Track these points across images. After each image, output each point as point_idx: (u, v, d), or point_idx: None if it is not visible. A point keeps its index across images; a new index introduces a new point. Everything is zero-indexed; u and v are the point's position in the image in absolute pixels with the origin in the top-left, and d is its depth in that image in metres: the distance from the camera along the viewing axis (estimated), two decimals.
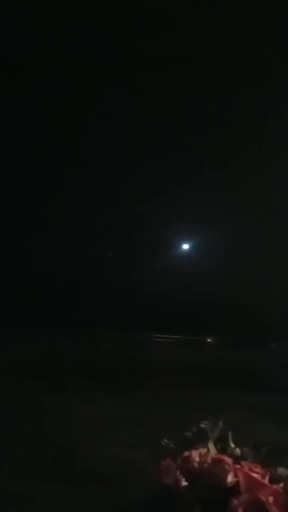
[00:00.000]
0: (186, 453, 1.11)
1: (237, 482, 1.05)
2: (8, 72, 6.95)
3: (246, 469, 1.05)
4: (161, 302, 8.54)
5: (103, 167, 8.48)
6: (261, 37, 6.64)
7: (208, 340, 8.91)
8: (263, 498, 0.95)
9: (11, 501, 1.71)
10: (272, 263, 8.55)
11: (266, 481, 1.04)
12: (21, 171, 8.12)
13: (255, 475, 1.03)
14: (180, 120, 7.94)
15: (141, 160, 8.22)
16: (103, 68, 7.37)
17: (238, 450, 1.14)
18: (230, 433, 1.19)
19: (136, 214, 8.81)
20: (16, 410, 3.23)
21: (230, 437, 1.19)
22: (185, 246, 9.55)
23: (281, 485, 1.08)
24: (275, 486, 1.04)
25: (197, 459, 1.08)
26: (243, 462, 1.08)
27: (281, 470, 1.09)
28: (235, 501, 0.98)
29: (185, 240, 9.42)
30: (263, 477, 1.04)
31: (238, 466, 1.07)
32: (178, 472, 1.10)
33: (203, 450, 1.13)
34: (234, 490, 1.04)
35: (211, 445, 1.14)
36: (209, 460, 1.07)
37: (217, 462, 1.04)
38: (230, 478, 1.02)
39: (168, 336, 8.28)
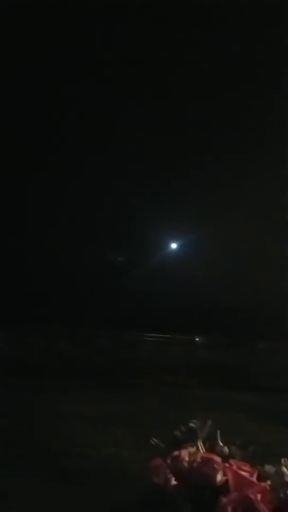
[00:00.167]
0: (176, 453, 1.12)
1: (226, 481, 1.06)
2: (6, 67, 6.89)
3: (234, 467, 1.07)
4: (151, 301, 8.55)
5: (94, 165, 8.45)
6: (261, 38, 6.69)
7: (197, 339, 8.96)
8: (252, 496, 0.97)
9: (2, 501, 1.71)
10: (263, 262, 8.62)
11: (254, 479, 1.06)
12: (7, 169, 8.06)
13: (243, 473, 1.05)
14: (171, 118, 7.95)
15: (137, 159, 8.21)
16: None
17: (226, 449, 1.16)
18: (218, 432, 1.20)
19: (126, 212, 8.80)
20: (7, 409, 3.22)
21: (218, 436, 1.20)
22: (175, 245, 9.59)
23: (269, 482, 1.10)
24: (263, 484, 1.06)
25: (187, 458, 1.10)
26: (231, 461, 1.10)
27: (268, 468, 1.11)
28: (224, 499, 1.00)
29: (175, 239, 9.46)
30: (251, 475, 1.06)
31: (227, 464, 1.08)
32: (168, 471, 1.11)
33: (193, 449, 1.15)
34: (224, 488, 1.06)
35: (200, 444, 1.16)
36: (198, 459, 1.08)
37: (206, 461, 1.06)
38: (219, 477, 1.04)
39: (158, 335, 8.30)
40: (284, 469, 1.13)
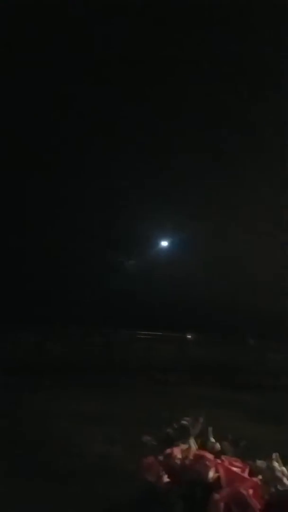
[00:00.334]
0: (168, 450, 1.13)
1: (218, 477, 1.07)
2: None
3: (226, 463, 1.08)
4: (142, 299, 8.56)
5: (84, 164, 8.42)
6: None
7: (189, 337, 8.99)
8: (244, 491, 0.98)
9: None
10: (253, 260, 8.67)
11: (245, 474, 1.07)
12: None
13: (235, 469, 1.06)
14: (161, 118, 7.95)
15: (129, 158, 8.20)
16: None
17: (218, 445, 1.17)
18: (210, 428, 1.21)
19: (117, 211, 8.79)
20: None
21: (210, 433, 1.21)
22: (167, 244, 9.60)
23: (260, 477, 1.11)
24: (254, 479, 1.07)
25: (179, 456, 1.10)
26: (223, 457, 1.11)
27: (259, 463, 1.13)
28: (216, 496, 1.01)
29: (166, 238, 9.47)
30: (243, 470, 1.07)
31: (218, 461, 1.09)
32: (160, 469, 1.12)
33: (185, 447, 1.16)
34: (216, 484, 1.07)
35: (192, 442, 1.17)
36: (190, 457, 1.09)
37: (198, 458, 1.07)
38: (211, 474, 1.05)
39: (149, 333, 8.31)
40: (275, 463, 1.14)
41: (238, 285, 8.93)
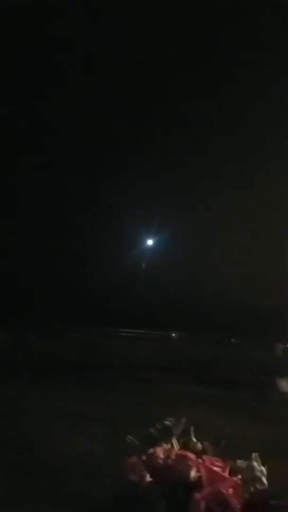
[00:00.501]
0: (151, 450, 1.14)
1: (200, 477, 1.09)
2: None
3: (207, 463, 1.10)
4: (126, 297, 8.57)
5: (70, 164, 8.38)
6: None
7: (173, 335, 9.04)
8: (224, 491, 1.00)
9: None
10: (237, 258, 8.76)
11: (226, 474, 1.09)
12: None
13: (216, 468, 1.09)
14: (148, 117, 7.96)
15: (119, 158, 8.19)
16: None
17: (199, 445, 1.19)
18: (192, 428, 1.23)
19: (100, 209, 8.77)
20: None
21: (192, 432, 1.23)
22: (151, 241, 9.62)
23: (240, 476, 1.14)
24: (234, 478, 1.10)
25: (162, 455, 1.12)
26: (204, 457, 1.13)
27: (239, 462, 1.15)
28: (197, 495, 1.03)
29: (150, 235, 9.49)
30: (224, 470, 1.10)
31: (200, 460, 1.11)
32: (143, 468, 1.13)
33: (167, 447, 1.17)
34: (197, 484, 1.09)
35: (174, 442, 1.18)
36: (173, 457, 1.11)
37: (180, 458, 1.09)
38: (193, 473, 1.07)
39: (132, 330, 8.32)
40: (255, 463, 1.17)
41: (223, 284, 9.01)
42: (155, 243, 9.71)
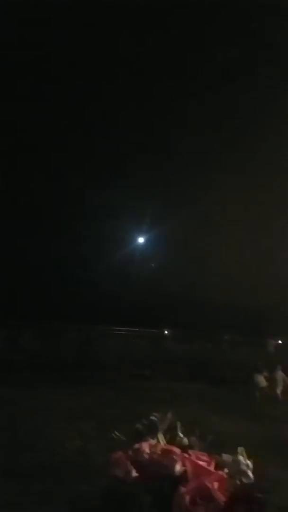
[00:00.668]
0: (137, 445, 1.14)
1: (185, 471, 1.09)
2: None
3: (193, 457, 1.10)
4: (119, 295, 8.55)
5: (59, 163, 8.35)
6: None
7: (166, 333, 9.06)
8: (208, 485, 1.00)
9: None
10: (229, 258, 8.79)
11: (211, 468, 1.10)
12: None
13: (201, 463, 1.09)
14: (138, 118, 7.96)
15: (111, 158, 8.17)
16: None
17: (186, 440, 1.20)
18: (178, 423, 1.24)
19: (94, 209, 8.74)
20: None
21: (178, 428, 1.23)
22: (144, 240, 9.62)
23: (226, 470, 1.14)
24: (220, 472, 1.10)
25: (147, 450, 1.12)
26: (190, 451, 1.14)
27: (225, 457, 1.16)
28: (182, 489, 1.03)
29: (145, 234, 9.49)
30: (209, 464, 1.10)
31: (186, 455, 1.12)
32: (128, 463, 1.13)
33: (153, 442, 1.17)
34: (183, 478, 1.09)
35: (160, 437, 1.19)
36: (158, 452, 1.11)
37: (166, 453, 1.09)
38: (178, 468, 1.07)
39: (126, 329, 8.32)
40: (241, 457, 1.18)
41: (216, 282, 9.03)
42: (148, 243, 9.72)
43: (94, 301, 8.23)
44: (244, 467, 1.16)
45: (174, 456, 1.07)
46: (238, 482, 1.13)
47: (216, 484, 1.03)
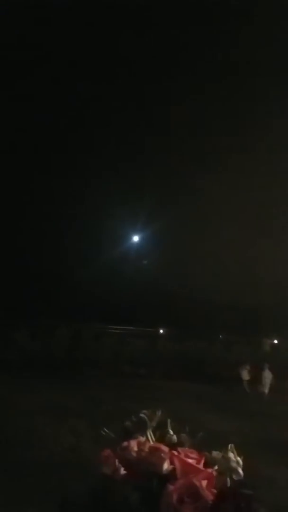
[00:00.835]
0: (125, 443, 1.13)
1: (174, 469, 1.08)
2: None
3: (182, 455, 1.09)
4: (114, 293, 8.54)
5: (56, 163, 8.34)
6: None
7: (161, 331, 9.05)
8: (196, 482, 0.99)
9: None
10: (225, 257, 8.81)
11: (200, 465, 1.08)
12: None
13: (190, 460, 1.07)
14: (138, 115, 7.95)
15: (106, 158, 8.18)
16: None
17: (175, 437, 1.18)
18: (168, 420, 1.22)
19: (88, 207, 8.72)
20: None
21: (168, 425, 1.22)
22: (139, 239, 9.62)
23: (215, 468, 1.13)
24: (209, 470, 1.08)
25: (135, 448, 1.11)
26: (179, 449, 1.12)
27: (215, 454, 1.14)
28: (170, 487, 1.02)
29: (138, 233, 9.49)
30: (198, 462, 1.09)
31: (174, 453, 1.10)
32: (117, 461, 1.12)
33: (142, 439, 1.16)
34: (171, 476, 1.08)
35: (149, 434, 1.17)
36: (146, 449, 1.10)
37: (154, 450, 1.07)
38: (166, 466, 1.05)
39: (121, 327, 8.31)
40: (231, 454, 1.16)
41: (211, 281, 9.05)
42: (144, 242, 9.72)
43: (89, 299, 8.22)
44: (234, 464, 1.14)
45: (162, 454, 1.05)
46: (228, 480, 1.12)
47: (204, 482, 1.02)
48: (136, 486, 1.07)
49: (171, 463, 1.07)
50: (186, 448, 1.15)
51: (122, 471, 1.11)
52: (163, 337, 9.02)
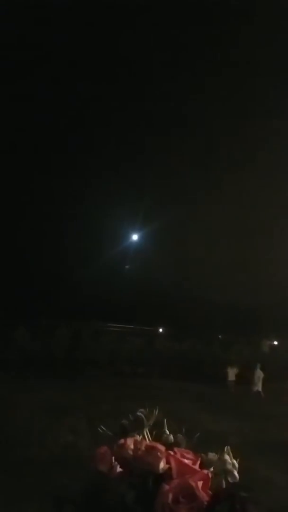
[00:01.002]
0: (121, 441, 1.13)
1: (170, 468, 1.08)
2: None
3: (178, 455, 1.09)
4: (113, 293, 8.54)
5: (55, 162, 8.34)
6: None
7: (160, 330, 9.05)
8: (192, 483, 0.99)
9: None
10: (224, 257, 8.80)
11: (196, 466, 1.08)
12: None
13: (186, 461, 1.07)
14: (137, 115, 7.95)
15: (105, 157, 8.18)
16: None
17: (171, 437, 1.18)
18: (165, 420, 1.22)
19: (87, 206, 8.72)
20: None
21: (165, 425, 1.22)
22: (138, 238, 9.61)
23: (211, 469, 1.13)
24: (205, 471, 1.08)
25: (132, 446, 1.11)
26: (176, 449, 1.12)
27: (211, 455, 1.14)
28: (166, 486, 1.02)
29: (137, 232, 9.49)
30: (194, 462, 1.08)
31: (171, 452, 1.10)
32: (113, 459, 1.12)
33: (139, 438, 1.16)
34: (167, 476, 1.07)
35: (146, 433, 1.17)
36: (143, 448, 1.10)
37: (150, 449, 1.07)
38: (162, 465, 1.05)
39: (119, 325, 8.31)
40: (227, 456, 1.16)
41: (210, 281, 9.05)
42: (142, 241, 9.72)
43: (88, 298, 8.23)
44: (229, 467, 1.14)
45: (158, 453, 1.05)
46: (223, 481, 1.11)
47: (200, 483, 1.02)
48: (131, 484, 1.07)
49: (167, 462, 1.06)
50: (182, 449, 1.15)
51: (118, 468, 1.11)
52: (162, 337, 9.01)
